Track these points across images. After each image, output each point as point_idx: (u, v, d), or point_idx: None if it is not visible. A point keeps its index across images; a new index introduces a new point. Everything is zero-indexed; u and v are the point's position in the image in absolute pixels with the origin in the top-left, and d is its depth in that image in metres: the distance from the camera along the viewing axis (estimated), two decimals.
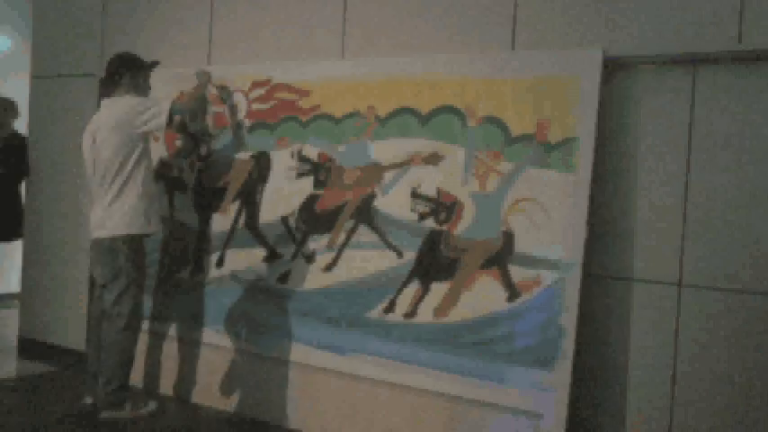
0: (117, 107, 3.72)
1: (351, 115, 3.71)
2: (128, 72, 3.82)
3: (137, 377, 4.31)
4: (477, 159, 3.35)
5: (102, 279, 3.74)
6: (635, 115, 3.14)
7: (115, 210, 3.66)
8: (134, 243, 3.71)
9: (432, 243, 3.44)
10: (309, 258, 3.80)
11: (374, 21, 3.80)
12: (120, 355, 3.71)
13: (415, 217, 3.49)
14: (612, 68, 3.14)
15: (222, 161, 4.16)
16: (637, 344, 3.13)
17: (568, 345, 3.05)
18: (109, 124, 3.67)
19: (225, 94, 4.11)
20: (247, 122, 4.08)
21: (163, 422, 3.82)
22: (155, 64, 4.00)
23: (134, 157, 3.70)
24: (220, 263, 4.11)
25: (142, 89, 3.88)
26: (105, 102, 3.82)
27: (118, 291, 3.68)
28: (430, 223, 3.45)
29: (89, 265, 3.84)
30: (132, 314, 3.72)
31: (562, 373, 3.05)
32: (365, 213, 3.63)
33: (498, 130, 3.31)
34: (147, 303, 4.28)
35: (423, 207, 3.47)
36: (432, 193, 3.46)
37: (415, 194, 3.49)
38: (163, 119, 3.70)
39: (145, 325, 4.38)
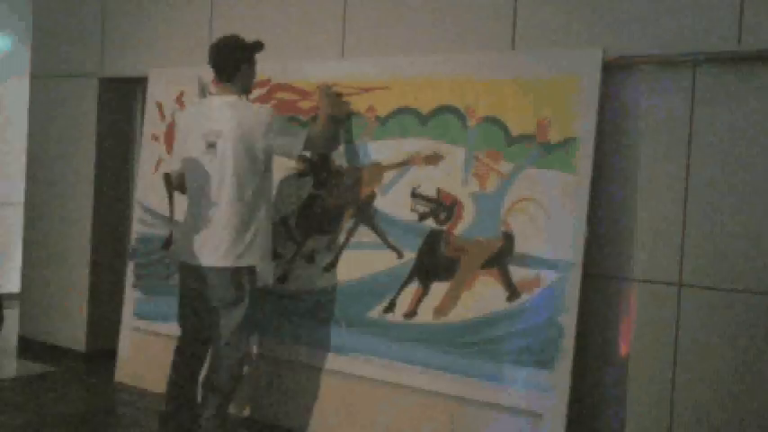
0: (242, 112, 3.22)
1: (351, 115, 3.71)
2: (246, 64, 3.33)
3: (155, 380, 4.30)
4: (477, 159, 3.35)
5: (220, 302, 3.28)
6: (635, 115, 3.14)
7: (248, 236, 3.24)
8: (253, 272, 3.33)
9: (432, 243, 3.44)
10: (309, 258, 3.79)
11: (374, 21, 3.80)
12: (235, 384, 3.37)
13: (415, 217, 3.49)
14: (612, 68, 3.14)
15: None
16: (637, 344, 3.13)
17: (568, 345, 3.04)
18: (235, 132, 3.16)
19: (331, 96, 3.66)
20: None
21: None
22: (260, 46, 3.44)
23: (261, 174, 3.29)
24: None
25: (252, 80, 3.43)
26: (220, 101, 3.29)
27: (239, 318, 3.28)
28: (430, 223, 3.45)
29: (184, 288, 3.41)
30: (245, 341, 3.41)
31: (562, 373, 3.05)
32: (365, 213, 3.63)
33: (498, 130, 3.31)
34: (155, 303, 4.28)
35: (423, 207, 3.47)
36: (432, 193, 3.45)
37: (414, 194, 3.49)
38: (295, 152, 3.35)
39: (147, 325, 4.39)
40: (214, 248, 3.20)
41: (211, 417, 3.29)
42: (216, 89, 3.40)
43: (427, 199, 3.46)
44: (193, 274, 3.30)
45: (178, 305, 3.48)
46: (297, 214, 3.86)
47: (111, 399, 4.24)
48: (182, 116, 3.54)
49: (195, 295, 3.34)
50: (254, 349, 3.89)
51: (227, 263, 3.21)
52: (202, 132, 3.21)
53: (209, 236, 3.21)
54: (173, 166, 3.50)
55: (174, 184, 3.47)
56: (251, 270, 3.30)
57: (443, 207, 3.41)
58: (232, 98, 3.28)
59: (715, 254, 2.98)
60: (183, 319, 3.47)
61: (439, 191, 3.44)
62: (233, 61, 3.28)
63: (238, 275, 3.25)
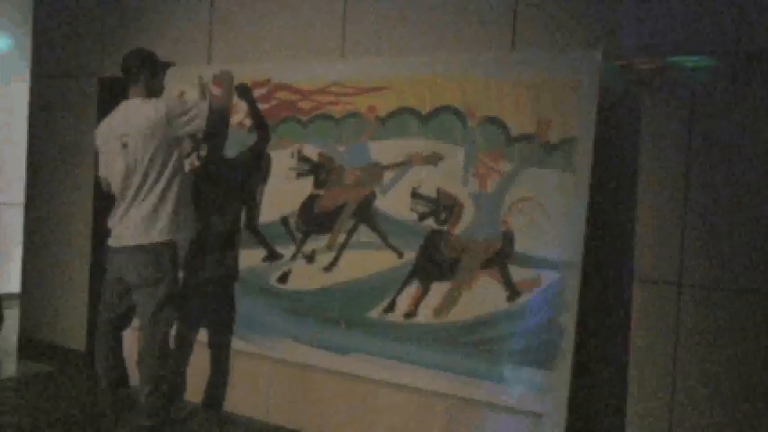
0: (146, 110, 3.45)
1: (351, 115, 3.71)
2: (147, 71, 3.57)
3: None
4: (478, 159, 3.35)
5: (140, 282, 3.45)
6: (635, 115, 3.14)
7: (160, 216, 3.42)
8: (174, 248, 3.51)
9: (432, 243, 3.43)
10: (309, 258, 3.79)
11: (374, 21, 3.80)
12: (163, 360, 3.49)
13: (415, 217, 3.49)
14: (612, 69, 3.13)
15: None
16: (637, 344, 3.13)
17: (568, 345, 3.04)
18: (142, 129, 3.39)
19: (243, 91, 3.71)
20: (247, 122, 4.08)
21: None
22: (170, 64, 3.78)
23: (173, 161, 3.47)
24: None
25: (157, 90, 3.63)
26: (127, 104, 3.54)
27: (161, 296, 3.43)
28: (430, 223, 3.45)
29: (108, 272, 3.52)
30: (171, 319, 3.53)
31: (562, 373, 3.04)
32: (365, 213, 3.63)
33: (498, 130, 3.31)
34: None
35: (423, 207, 3.47)
36: (432, 193, 3.45)
37: (415, 194, 3.49)
38: (203, 120, 3.47)
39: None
40: (143, 229, 3.40)
41: (149, 392, 3.44)
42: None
43: (427, 199, 3.46)
44: (118, 257, 3.47)
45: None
46: (297, 214, 3.86)
47: (111, 399, 4.22)
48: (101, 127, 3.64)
49: (117, 278, 3.50)
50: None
51: (146, 240, 3.40)
52: (116, 135, 3.46)
53: (137, 220, 3.41)
54: (100, 171, 3.62)
55: (103, 186, 3.61)
56: (172, 245, 3.44)
57: (443, 207, 3.41)
58: (137, 100, 3.49)
59: (715, 254, 2.98)
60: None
61: (439, 191, 3.44)
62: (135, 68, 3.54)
63: (159, 250, 3.41)
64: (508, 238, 3.24)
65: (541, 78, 3.21)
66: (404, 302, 3.48)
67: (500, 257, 3.25)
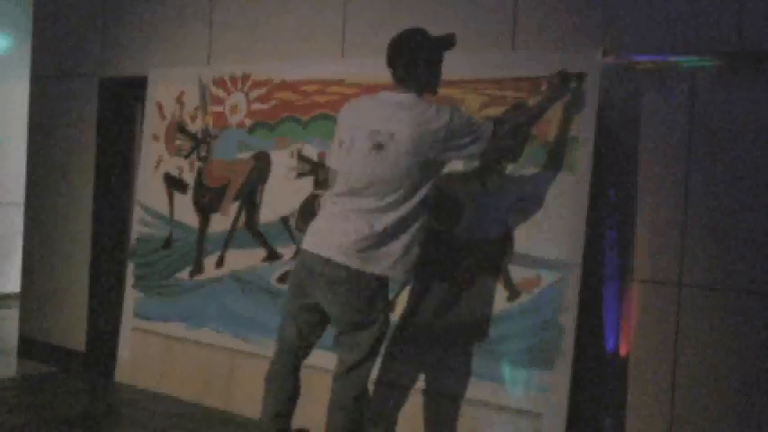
0: (424, 112, 2.79)
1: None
2: (422, 59, 2.87)
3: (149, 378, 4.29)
4: (477, 159, 3.35)
5: (343, 321, 2.89)
6: (635, 115, 3.14)
7: (392, 244, 2.80)
8: (387, 287, 2.93)
9: (431, 243, 3.43)
10: None
11: (374, 20, 3.80)
12: (358, 422, 2.93)
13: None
14: (612, 68, 3.14)
15: (222, 161, 4.17)
16: (637, 344, 3.13)
17: (568, 345, 3.04)
18: (408, 133, 2.73)
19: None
20: (247, 122, 4.08)
21: (164, 421, 3.82)
22: (451, 44, 2.99)
23: (429, 185, 2.85)
24: (220, 263, 4.11)
25: (436, 81, 2.96)
26: (392, 96, 2.87)
27: (370, 343, 2.88)
28: (430, 223, 3.44)
29: (296, 284, 2.96)
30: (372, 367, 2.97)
31: (562, 373, 3.05)
32: None
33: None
34: (155, 303, 4.28)
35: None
36: (432, 193, 3.44)
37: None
38: (483, 146, 2.86)
39: (147, 325, 4.39)
40: (369, 253, 2.80)
41: None
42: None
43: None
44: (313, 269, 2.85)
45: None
46: (297, 214, 3.86)
47: (111, 399, 4.24)
48: (347, 112, 2.99)
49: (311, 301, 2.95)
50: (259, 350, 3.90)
51: (368, 268, 2.81)
52: (369, 131, 2.81)
53: (365, 235, 2.80)
54: (330, 162, 3.04)
55: (330, 179, 3.04)
56: (386, 283, 2.91)
57: (443, 207, 3.41)
58: (406, 97, 2.86)
59: (715, 254, 2.99)
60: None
61: (439, 190, 3.43)
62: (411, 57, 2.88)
63: (376, 284, 2.85)
64: (508, 238, 3.24)
65: (542, 78, 3.21)
66: (404, 302, 3.48)
67: (500, 257, 3.25)
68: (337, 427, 2.91)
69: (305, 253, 2.91)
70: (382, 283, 2.86)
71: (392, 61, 2.89)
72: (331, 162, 3.00)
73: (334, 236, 2.82)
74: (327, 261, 2.80)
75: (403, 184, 2.78)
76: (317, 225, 2.95)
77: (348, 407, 2.89)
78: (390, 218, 2.80)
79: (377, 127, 2.79)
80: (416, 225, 2.87)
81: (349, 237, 2.78)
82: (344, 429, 2.90)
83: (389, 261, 2.82)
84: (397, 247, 2.82)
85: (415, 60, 2.85)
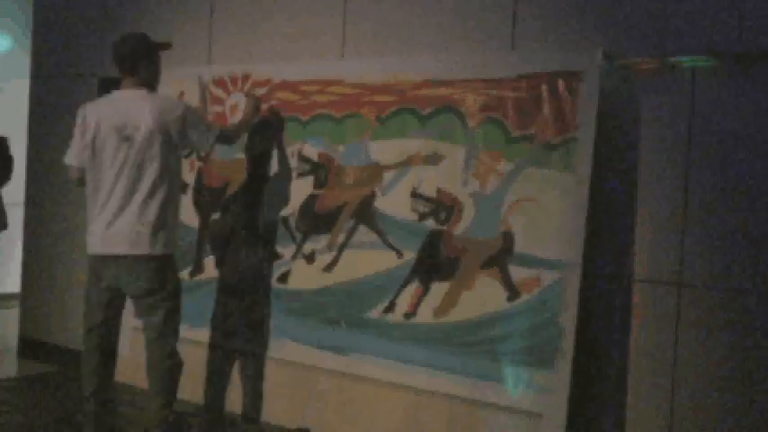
0: (162, 105, 3.29)
1: (351, 115, 3.71)
2: (144, 58, 3.35)
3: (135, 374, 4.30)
4: (477, 159, 3.35)
5: (142, 293, 3.32)
6: (635, 115, 3.14)
7: (162, 225, 3.26)
8: (173, 259, 3.42)
9: (432, 243, 3.43)
10: (309, 258, 3.79)
11: (374, 20, 3.80)
12: (176, 374, 3.40)
13: (415, 217, 3.49)
14: (612, 68, 3.14)
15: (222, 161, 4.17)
16: (637, 344, 3.13)
17: (568, 345, 3.04)
18: (147, 124, 3.20)
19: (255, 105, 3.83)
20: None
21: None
22: (167, 46, 3.57)
23: (177, 166, 3.36)
24: (220, 263, 4.11)
25: (155, 78, 3.45)
26: (127, 94, 3.32)
27: (167, 309, 3.34)
28: (430, 223, 3.45)
29: (94, 281, 3.35)
30: (178, 329, 3.44)
31: (562, 373, 3.05)
32: (365, 213, 3.63)
33: (498, 130, 3.31)
34: None
35: (423, 207, 3.47)
36: (432, 193, 3.45)
37: (414, 194, 3.49)
38: (208, 145, 3.43)
39: None
40: (143, 238, 3.25)
41: (160, 407, 3.36)
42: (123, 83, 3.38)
43: (427, 199, 3.46)
44: (109, 266, 3.29)
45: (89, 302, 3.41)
46: (297, 214, 3.86)
47: (110, 399, 4.23)
48: (90, 110, 3.37)
49: (108, 288, 3.35)
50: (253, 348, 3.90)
51: (150, 251, 3.26)
52: (115, 125, 3.24)
53: (135, 224, 3.24)
54: (71, 160, 3.40)
55: (75, 177, 3.42)
56: (173, 258, 3.39)
57: (443, 207, 3.41)
58: (142, 91, 3.33)
59: (715, 254, 2.98)
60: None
61: (439, 191, 3.44)
62: (133, 55, 3.36)
63: (163, 263, 3.31)
64: (508, 238, 3.24)
65: (541, 78, 3.21)
66: (404, 302, 3.48)
67: (500, 257, 3.25)
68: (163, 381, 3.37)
69: None
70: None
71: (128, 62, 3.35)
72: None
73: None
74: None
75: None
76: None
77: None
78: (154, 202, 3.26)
79: (123, 122, 3.23)
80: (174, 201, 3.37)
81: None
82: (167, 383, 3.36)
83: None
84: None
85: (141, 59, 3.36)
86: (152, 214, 3.24)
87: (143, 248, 3.24)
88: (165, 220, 3.28)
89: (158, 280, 3.29)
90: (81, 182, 3.41)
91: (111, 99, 3.35)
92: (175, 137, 3.29)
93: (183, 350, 4.18)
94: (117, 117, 3.24)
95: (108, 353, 3.43)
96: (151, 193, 3.24)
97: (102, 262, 3.30)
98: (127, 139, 3.21)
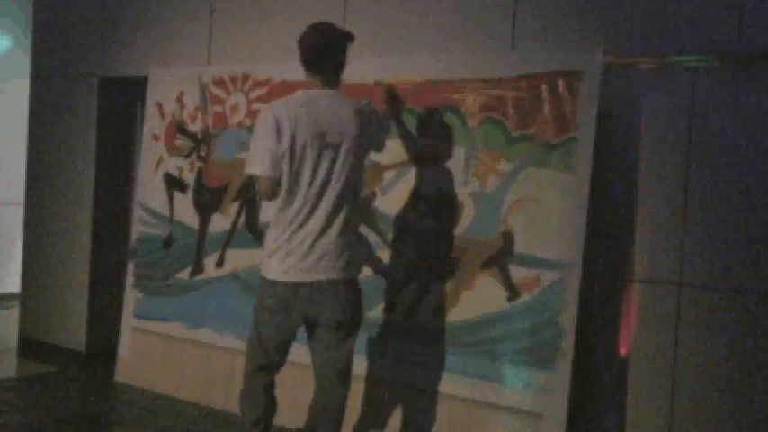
0: (360, 109, 2.86)
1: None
2: (332, 55, 2.87)
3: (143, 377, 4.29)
4: (477, 159, 3.35)
5: (337, 324, 2.84)
6: (635, 115, 3.14)
7: (356, 242, 2.89)
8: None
9: (432, 243, 3.43)
10: None
11: (374, 20, 3.80)
12: (343, 415, 3.02)
13: (415, 217, 3.49)
14: (612, 68, 3.14)
15: (222, 161, 4.17)
16: (637, 344, 3.13)
17: (568, 345, 3.05)
18: (353, 130, 2.78)
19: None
20: (248, 122, 4.08)
21: (165, 421, 3.82)
22: (352, 37, 2.99)
23: (363, 178, 2.94)
24: (220, 263, 4.11)
25: (338, 79, 2.94)
26: (325, 94, 2.83)
27: (353, 341, 2.90)
28: (430, 223, 3.45)
29: (277, 311, 2.80)
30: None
31: (562, 373, 3.05)
32: (365, 213, 3.63)
33: (498, 130, 3.31)
34: (155, 303, 4.27)
35: (423, 207, 3.47)
36: (432, 193, 3.45)
37: (415, 194, 3.49)
38: (383, 143, 3.06)
39: (147, 325, 4.39)
40: (339, 258, 2.79)
41: None
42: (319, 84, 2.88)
43: (427, 199, 3.45)
44: (303, 293, 2.79)
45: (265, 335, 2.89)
46: None
47: (111, 399, 4.24)
48: (281, 111, 2.77)
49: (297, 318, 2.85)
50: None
51: (353, 275, 2.85)
52: (318, 132, 2.75)
53: (332, 247, 2.78)
54: (260, 169, 2.74)
55: (268, 188, 2.77)
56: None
57: (443, 207, 3.40)
58: (341, 94, 2.89)
59: (715, 254, 2.99)
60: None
61: (439, 191, 3.44)
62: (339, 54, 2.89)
63: (355, 286, 2.89)
64: (508, 238, 3.24)
65: (541, 78, 3.22)
66: (404, 302, 3.48)
67: (500, 257, 3.25)
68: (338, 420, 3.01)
69: None
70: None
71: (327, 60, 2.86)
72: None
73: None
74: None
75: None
76: None
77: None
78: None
79: (327, 128, 2.76)
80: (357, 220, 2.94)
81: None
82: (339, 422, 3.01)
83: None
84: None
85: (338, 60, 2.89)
86: (347, 232, 2.81)
87: (344, 272, 2.81)
88: (359, 236, 2.95)
89: (353, 309, 2.86)
90: (276, 194, 2.78)
91: (304, 101, 2.80)
92: (368, 142, 2.89)
93: (185, 350, 4.20)
94: (317, 122, 2.75)
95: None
96: (350, 208, 2.82)
97: (293, 289, 2.78)
98: (329, 147, 2.75)
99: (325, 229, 2.75)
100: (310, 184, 2.74)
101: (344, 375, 2.92)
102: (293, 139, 2.71)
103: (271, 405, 2.99)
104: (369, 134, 2.87)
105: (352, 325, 2.87)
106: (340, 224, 2.77)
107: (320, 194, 2.75)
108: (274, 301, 2.79)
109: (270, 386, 2.98)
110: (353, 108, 2.83)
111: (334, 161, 2.76)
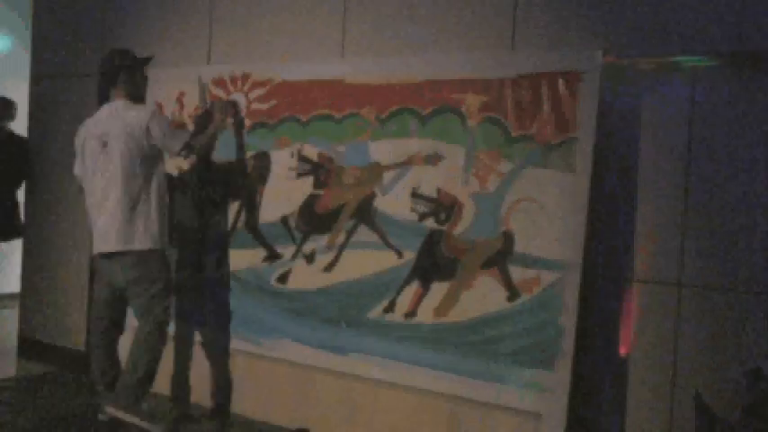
0: (130, 112, 3.54)
1: (351, 115, 3.71)
2: (124, 71, 3.63)
3: None
4: (478, 159, 3.35)
5: (128, 283, 3.55)
6: (635, 115, 3.14)
7: (138, 222, 3.51)
8: (162, 254, 3.59)
9: (432, 243, 3.44)
10: (309, 258, 3.79)
11: (374, 20, 3.80)
12: (151, 351, 3.53)
13: (415, 217, 3.49)
14: (612, 68, 3.14)
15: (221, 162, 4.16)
16: (637, 344, 3.13)
17: (568, 345, 3.04)
18: (124, 132, 3.48)
19: (227, 108, 3.93)
20: (247, 122, 4.08)
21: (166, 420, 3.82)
22: (148, 60, 3.78)
23: (156, 167, 3.57)
24: (220, 263, 4.11)
25: (140, 88, 3.70)
26: (110, 106, 3.62)
27: (153, 291, 3.51)
28: (430, 223, 3.45)
29: (97, 278, 3.73)
30: (164, 315, 3.56)
31: (562, 373, 3.05)
32: (365, 213, 3.63)
33: (498, 130, 3.31)
34: None
35: (423, 207, 3.47)
36: (432, 193, 3.45)
37: (414, 194, 3.49)
38: (177, 148, 3.55)
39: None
40: (125, 236, 3.50)
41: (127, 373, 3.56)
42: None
43: (427, 199, 3.46)
44: (104, 263, 3.61)
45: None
46: (297, 214, 3.86)
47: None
48: (83, 124, 3.70)
49: (107, 283, 3.64)
50: (254, 349, 3.90)
51: (127, 246, 3.49)
52: (97, 134, 3.56)
53: (120, 224, 3.50)
54: (75, 170, 3.73)
55: (79, 186, 3.75)
56: (160, 253, 3.56)
57: (443, 207, 3.41)
58: (120, 102, 3.60)
59: (715, 254, 2.98)
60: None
61: (439, 191, 3.44)
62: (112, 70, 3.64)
63: (146, 256, 3.52)
64: (508, 238, 3.24)
65: (541, 78, 3.21)
66: (404, 302, 3.48)
67: (500, 257, 3.25)
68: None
69: None
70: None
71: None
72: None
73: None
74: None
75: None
76: None
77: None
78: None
79: (102, 130, 3.52)
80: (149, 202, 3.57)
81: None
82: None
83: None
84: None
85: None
86: (127, 212, 3.49)
87: (123, 245, 3.50)
88: (142, 218, 3.52)
89: (142, 271, 3.51)
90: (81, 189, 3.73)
91: (98, 112, 3.66)
92: (143, 141, 3.48)
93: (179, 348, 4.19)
94: (98, 128, 3.56)
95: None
96: (132, 193, 3.49)
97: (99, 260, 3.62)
98: (105, 144, 3.52)
99: (107, 209, 3.56)
100: (94, 176, 3.59)
101: (144, 315, 3.56)
102: (84, 143, 3.65)
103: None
104: (137, 134, 3.48)
105: (139, 281, 3.52)
106: (115, 205, 3.50)
107: (106, 186, 3.58)
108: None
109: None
110: (127, 114, 3.51)
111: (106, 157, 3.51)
